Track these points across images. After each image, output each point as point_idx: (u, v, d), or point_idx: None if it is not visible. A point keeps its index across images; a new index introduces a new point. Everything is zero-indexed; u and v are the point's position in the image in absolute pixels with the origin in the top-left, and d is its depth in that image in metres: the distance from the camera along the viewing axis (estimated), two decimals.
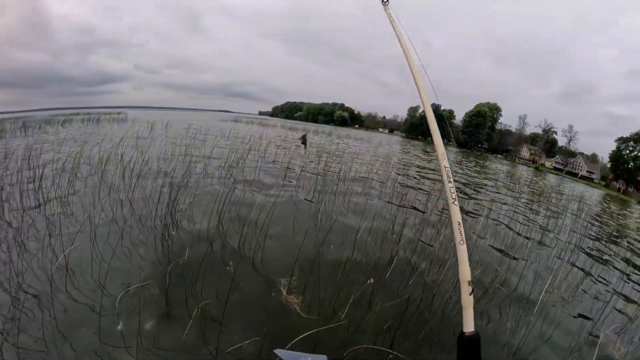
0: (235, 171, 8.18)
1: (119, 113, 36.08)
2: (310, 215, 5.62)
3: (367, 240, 4.83)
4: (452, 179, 1.09)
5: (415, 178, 12.89)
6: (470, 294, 0.94)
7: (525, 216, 9.27)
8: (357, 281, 3.54)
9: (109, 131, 14.89)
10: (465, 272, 0.95)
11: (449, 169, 1.13)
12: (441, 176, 1.14)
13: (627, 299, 4.76)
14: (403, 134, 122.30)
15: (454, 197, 1.06)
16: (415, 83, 1.30)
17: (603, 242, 8.26)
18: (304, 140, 3.15)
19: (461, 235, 1.00)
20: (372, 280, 3.25)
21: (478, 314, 3.62)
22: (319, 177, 8.81)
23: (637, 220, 16.81)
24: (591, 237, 8.38)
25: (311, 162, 11.39)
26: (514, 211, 9.61)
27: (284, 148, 15.34)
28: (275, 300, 3.16)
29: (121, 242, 3.77)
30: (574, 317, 3.91)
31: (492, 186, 15.62)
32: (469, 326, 0.90)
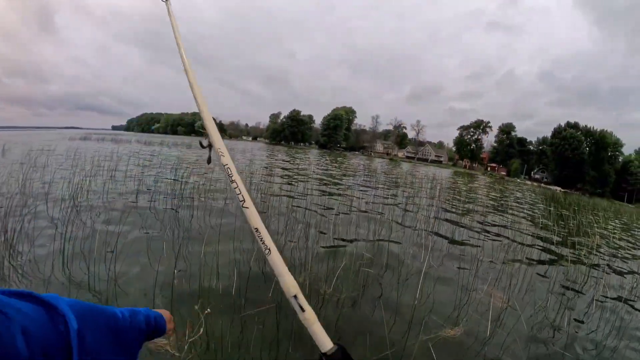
0: (79, 199, 7.02)
1: None
2: (166, 241, 4.96)
3: (229, 254, 4.66)
4: (235, 178, 0.87)
5: (281, 178, 13.01)
6: (303, 310, 0.75)
7: (387, 197, 10.08)
8: (222, 302, 3.37)
9: None
10: (287, 285, 0.77)
11: (229, 166, 0.90)
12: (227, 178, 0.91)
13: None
14: (267, 140, 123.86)
15: (242, 198, 0.85)
16: (189, 80, 1.07)
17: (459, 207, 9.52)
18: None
19: (264, 243, 0.80)
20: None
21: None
22: (176, 193, 8.24)
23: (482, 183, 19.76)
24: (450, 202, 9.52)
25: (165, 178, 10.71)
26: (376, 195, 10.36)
27: (139, 165, 14.24)
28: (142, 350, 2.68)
29: None
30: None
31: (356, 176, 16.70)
32: (324, 344, 0.72)
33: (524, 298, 4.52)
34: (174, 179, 10.11)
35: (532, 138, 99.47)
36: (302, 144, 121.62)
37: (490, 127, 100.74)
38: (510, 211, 13.60)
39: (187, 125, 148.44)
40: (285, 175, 15.84)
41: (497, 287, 4.69)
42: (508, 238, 7.83)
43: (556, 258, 6.78)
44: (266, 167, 18.37)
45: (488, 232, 8.39)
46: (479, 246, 6.76)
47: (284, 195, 9.56)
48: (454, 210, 11.21)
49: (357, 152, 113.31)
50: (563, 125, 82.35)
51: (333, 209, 8.46)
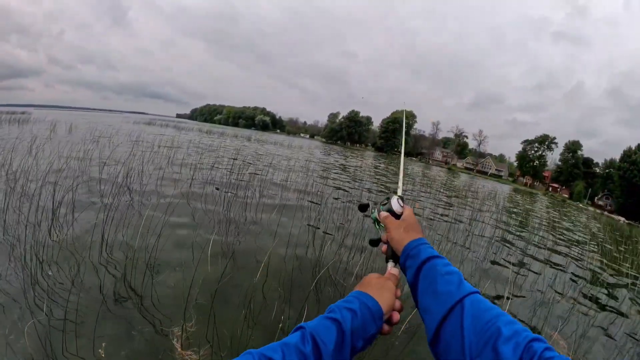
0: (132, 181, 6.92)
1: (22, 113, 32.28)
2: (215, 237, 4.60)
3: (285, 261, 4.18)
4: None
5: (338, 183, 12.57)
6: None
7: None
8: (270, 317, 2.93)
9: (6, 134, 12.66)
10: None
11: None
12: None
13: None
14: (323, 139, 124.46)
15: None
16: None
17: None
18: None
19: None
20: None
21: None
22: (230, 187, 8.00)
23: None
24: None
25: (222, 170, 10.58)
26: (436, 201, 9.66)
27: (193, 154, 14.38)
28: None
29: None
30: None
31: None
32: None
33: (587, 350, 3.63)
34: (230, 171, 9.95)
35: (595, 158, 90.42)
36: (357, 145, 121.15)
37: (555, 143, 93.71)
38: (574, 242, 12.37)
39: (248, 119, 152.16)
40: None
41: (561, 333, 3.88)
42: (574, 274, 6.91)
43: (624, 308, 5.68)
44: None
45: (553, 264, 7.37)
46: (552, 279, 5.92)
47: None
48: (518, 236, 10.30)
49: (414, 158, 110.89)
50: (634, 148, 73.66)
51: None
